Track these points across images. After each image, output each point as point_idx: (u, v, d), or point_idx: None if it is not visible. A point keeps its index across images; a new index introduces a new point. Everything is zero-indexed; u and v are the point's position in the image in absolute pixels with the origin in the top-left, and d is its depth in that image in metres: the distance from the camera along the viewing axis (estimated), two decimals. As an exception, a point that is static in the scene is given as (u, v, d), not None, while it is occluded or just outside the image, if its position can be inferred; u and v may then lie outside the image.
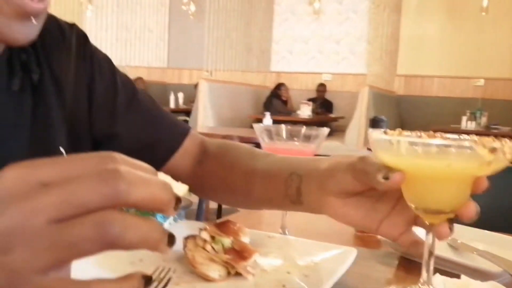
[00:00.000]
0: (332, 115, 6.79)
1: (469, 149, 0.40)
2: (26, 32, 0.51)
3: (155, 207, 0.28)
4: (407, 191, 0.46)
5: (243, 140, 3.27)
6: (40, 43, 0.62)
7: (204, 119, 5.42)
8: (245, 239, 0.56)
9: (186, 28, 8.04)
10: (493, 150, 0.39)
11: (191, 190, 0.76)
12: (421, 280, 0.47)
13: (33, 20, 0.51)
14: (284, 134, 0.74)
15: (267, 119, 3.65)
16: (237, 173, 0.68)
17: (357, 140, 5.28)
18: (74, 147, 0.64)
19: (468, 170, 0.42)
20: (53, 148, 0.62)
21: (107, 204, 0.26)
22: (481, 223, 0.68)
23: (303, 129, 0.74)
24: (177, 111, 6.88)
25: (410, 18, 6.85)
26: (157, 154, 0.71)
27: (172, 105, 7.10)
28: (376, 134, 0.44)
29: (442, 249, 0.71)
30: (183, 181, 0.77)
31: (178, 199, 0.29)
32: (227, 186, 0.70)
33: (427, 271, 0.46)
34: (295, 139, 0.73)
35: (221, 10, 6.69)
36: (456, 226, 0.77)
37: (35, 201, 0.26)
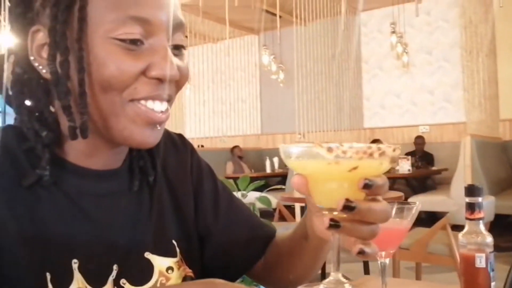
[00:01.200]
0: (434, 168, 6.46)
1: (311, 150, 0.45)
2: (154, 136, 0.62)
3: None
4: (311, 193, 0.51)
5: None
6: (156, 149, 0.73)
7: (301, 182, 5.44)
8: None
9: (276, 95, 8.35)
10: (329, 149, 0.44)
11: (263, 283, 0.81)
12: (332, 271, 0.52)
13: (158, 127, 0.61)
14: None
15: (364, 179, 3.58)
16: (291, 244, 0.75)
17: (464, 198, 4.94)
18: (184, 241, 0.72)
19: (327, 170, 0.46)
20: (167, 240, 0.70)
21: None
22: None
23: (395, 205, 0.74)
24: (273, 175, 7.01)
25: (507, 59, 6.50)
26: (251, 253, 0.78)
27: (268, 169, 7.25)
28: (281, 146, 0.50)
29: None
30: (258, 272, 0.82)
31: None
32: (290, 259, 0.75)
33: (336, 261, 0.52)
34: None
35: (308, 74, 6.90)
36: None
37: None
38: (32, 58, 0.60)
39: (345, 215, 0.47)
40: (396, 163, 0.45)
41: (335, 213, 0.48)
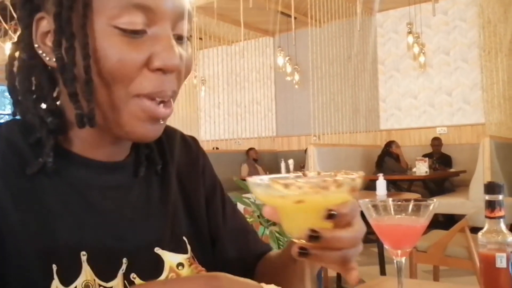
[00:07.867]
0: (452, 170, 6.36)
1: (269, 186, 0.47)
2: (155, 130, 0.61)
3: None
4: (281, 223, 0.51)
5: (357, 204, 3.19)
6: (166, 142, 0.73)
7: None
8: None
9: (291, 97, 8.32)
10: (285, 185, 0.46)
11: (259, 279, 0.80)
12: None
13: (161, 121, 0.61)
14: (392, 209, 0.73)
15: (381, 181, 3.55)
16: (279, 265, 0.73)
17: (484, 195, 4.85)
18: (195, 238, 0.71)
19: (278, 203, 0.47)
20: (178, 236, 0.69)
21: None
22: None
23: (411, 203, 0.72)
24: (289, 177, 6.97)
25: (528, 59, 6.38)
26: (246, 263, 0.77)
27: (283, 171, 7.24)
28: (249, 179, 0.50)
29: None
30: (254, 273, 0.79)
31: None
32: (277, 279, 0.73)
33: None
34: (403, 214, 0.72)
35: (324, 76, 6.85)
36: None
37: None
38: (36, 45, 0.59)
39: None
40: (356, 192, 0.48)
41: (303, 241, 0.48)
